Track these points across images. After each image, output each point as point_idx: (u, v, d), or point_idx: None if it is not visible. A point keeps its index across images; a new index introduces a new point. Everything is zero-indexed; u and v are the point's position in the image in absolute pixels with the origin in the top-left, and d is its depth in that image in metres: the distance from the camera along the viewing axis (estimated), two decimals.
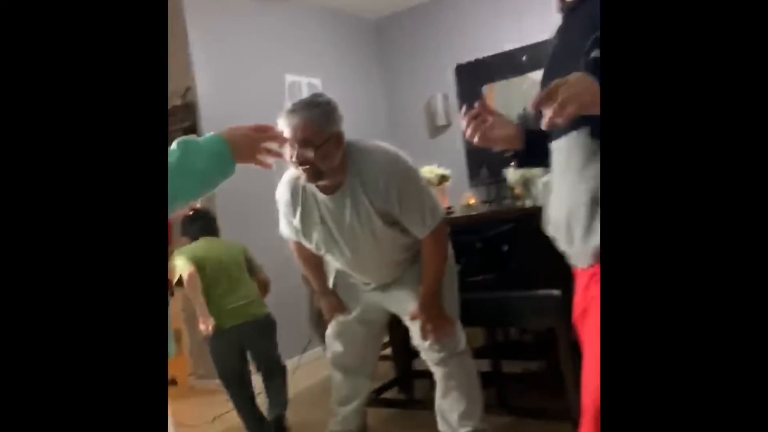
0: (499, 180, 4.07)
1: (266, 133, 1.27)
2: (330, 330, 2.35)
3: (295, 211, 2.04)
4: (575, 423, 1.28)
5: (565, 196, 1.23)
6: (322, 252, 2.11)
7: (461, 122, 1.35)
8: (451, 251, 2.15)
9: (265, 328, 2.73)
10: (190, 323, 3.58)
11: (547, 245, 2.33)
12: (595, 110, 0.92)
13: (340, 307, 2.28)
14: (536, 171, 2.74)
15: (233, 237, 3.50)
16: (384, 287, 2.18)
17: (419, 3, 4.97)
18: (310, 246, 2.11)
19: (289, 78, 4.24)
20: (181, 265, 2.62)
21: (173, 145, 1.14)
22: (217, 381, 2.77)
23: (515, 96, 4.66)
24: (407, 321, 2.14)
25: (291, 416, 3.00)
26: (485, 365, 2.59)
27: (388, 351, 3.02)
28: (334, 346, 2.35)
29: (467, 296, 2.22)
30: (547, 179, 2.74)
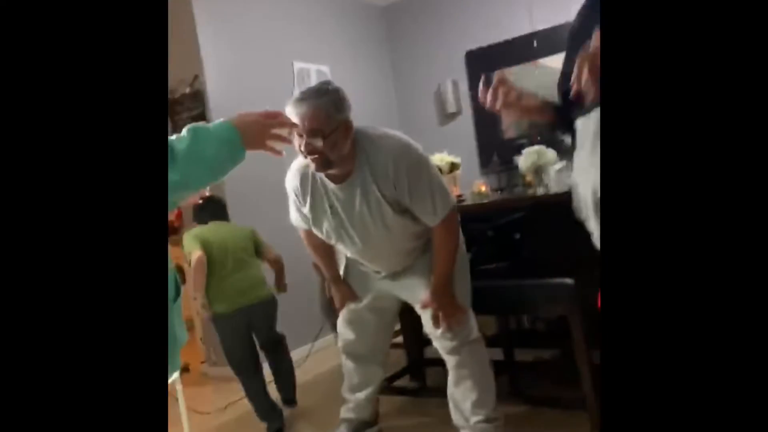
0: (510, 167, 4.04)
1: (276, 119, 1.27)
2: (341, 318, 2.35)
3: (305, 199, 2.03)
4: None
5: (592, 174, 1.21)
6: (332, 241, 2.10)
7: (480, 94, 1.31)
8: (462, 239, 2.13)
9: (270, 308, 2.83)
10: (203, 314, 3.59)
11: (558, 233, 2.31)
12: None
13: (352, 295, 2.27)
14: (549, 157, 2.72)
15: (242, 222, 3.51)
16: (395, 275, 2.17)
17: None
18: (320, 235, 2.10)
19: (298, 65, 4.21)
20: (189, 247, 2.71)
21: (183, 132, 1.14)
22: (229, 368, 2.82)
23: (526, 82, 4.60)
24: (419, 309, 2.13)
25: (303, 404, 3.01)
26: (498, 354, 2.59)
27: (399, 339, 3.01)
28: (346, 334, 2.35)
29: (479, 284, 2.21)
30: (560, 167, 2.73)
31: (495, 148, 4.48)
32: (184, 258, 2.81)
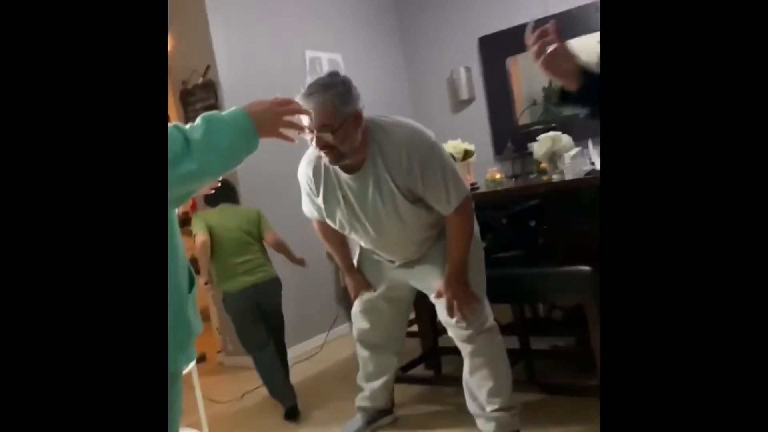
0: (524, 154, 3.99)
1: (288, 106, 1.26)
2: (355, 307, 2.34)
3: (317, 190, 2.02)
4: None
5: None
6: (346, 231, 2.10)
7: (528, 40, 1.29)
8: (476, 227, 2.11)
9: (275, 287, 2.95)
10: (217, 301, 3.62)
11: (574, 220, 2.29)
12: None
13: (366, 285, 2.27)
14: (565, 143, 2.68)
15: None
16: (409, 264, 2.16)
17: None
18: (333, 225, 2.09)
19: (310, 54, 4.19)
20: (197, 227, 2.85)
21: (197, 121, 1.14)
22: (243, 350, 2.94)
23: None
24: (433, 298, 2.12)
25: (318, 392, 3.03)
26: (513, 342, 2.58)
27: (414, 328, 3.01)
28: (360, 323, 2.35)
29: (494, 273, 2.19)
30: (575, 153, 2.69)
31: (509, 135, 4.42)
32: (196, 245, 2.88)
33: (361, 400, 2.44)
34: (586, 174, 2.43)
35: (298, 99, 1.78)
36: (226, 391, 3.27)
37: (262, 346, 2.86)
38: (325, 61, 4.29)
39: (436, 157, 1.91)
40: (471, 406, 2.14)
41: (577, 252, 2.21)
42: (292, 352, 3.70)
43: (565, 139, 2.73)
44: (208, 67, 3.62)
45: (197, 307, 1.30)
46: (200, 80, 3.65)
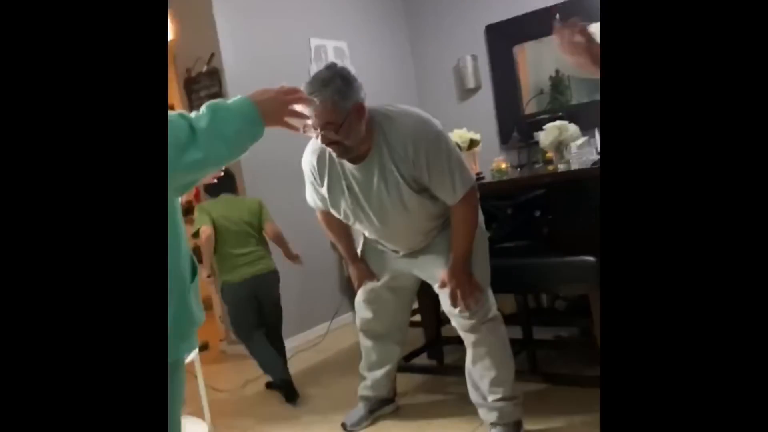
0: (530, 143, 3.97)
1: (293, 95, 1.26)
2: (359, 297, 2.34)
3: (322, 180, 2.01)
4: None
5: None
6: (350, 221, 2.09)
7: (555, 34, 1.28)
8: (481, 217, 2.10)
9: (274, 279, 3.00)
10: (219, 290, 3.61)
11: (579, 210, 2.27)
12: None
13: (369, 274, 2.26)
14: (571, 133, 2.66)
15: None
16: (413, 254, 2.15)
17: None
18: (338, 215, 2.09)
19: (315, 42, 4.16)
20: (201, 220, 2.88)
21: (203, 109, 1.13)
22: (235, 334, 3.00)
23: (547, 56, 4.52)
24: (437, 288, 2.11)
25: (321, 381, 3.03)
26: (516, 332, 2.57)
27: (417, 317, 3.01)
28: (364, 312, 2.34)
29: (499, 263, 2.18)
30: (581, 142, 2.67)
31: (515, 124, 4.40)
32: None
33: (364, 390, 2.45)
34: (593, 164, 2.41)
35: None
36: (229, 380, 3.28)
37: (252, 331, 2.93)
38: (331, 49, 4.26)
39: (442, 147, 1.89)
40: (473, 396, 2.14)
41: (581, 242, 2.19)
42: (295, 341, 3.71)
43: (572, 128, 2.70)
44: (212, 55, 3.60)
45: (200, 297, 1.30)
46: (204, 68, 3.63)
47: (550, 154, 2.89)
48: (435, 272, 2.09)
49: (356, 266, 2.28)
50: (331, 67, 1.82)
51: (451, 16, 4.87)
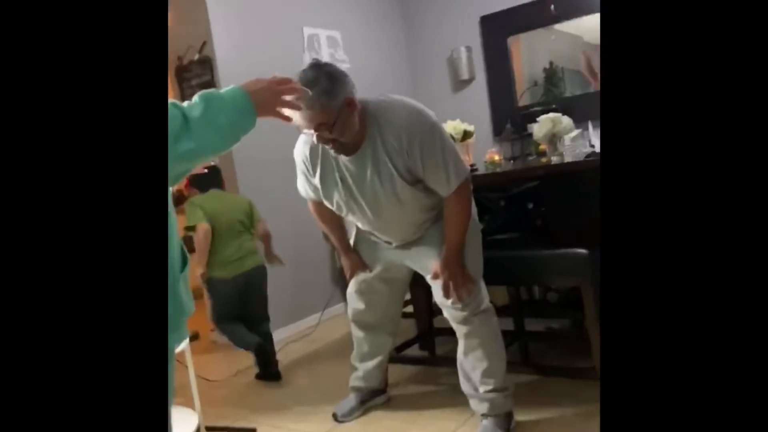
0: (523, 135, 3.97)
1: (286, 85, 1.25)
2: (351, 287, 2.33)
3: (314, 170, 2.00)
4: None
5: None
6: (343, 213, 2.08)
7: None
8: (474, 209, 2.09)
9: (262, 275, 3.06)
10: None
11: (572, 203, 2.27)
12: None
13: (362, 265, 2.26)
14: (565, 125, 2.65)
15: (253, 192, 3.50)
16: (406, 245, 2.14)
17: None
18: (330, 206, 2.07)
19: (308, 31, 4.13)
20: (197, 216, 2.89)
21: (195, 99, 1.13)
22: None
23: (542, 49, 4.51)
24: (429, 279, 2.11)
25: (312, 372, 3.03)
26: (508, 324, 2.57)
27: (410, 308, 3.01)
28: (356, 303, 2.34)
29: (492, 255, 2.18)
30: (575, 134, 2.66)
31: (509, 116, 4.39)
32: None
33: (355, 380, 2.44)
34: (586, 156, 2.40)
35: None
36: (219, 370, 3.27)
37: (230, 320, 3.02)
38: (324, 38, 4.23)
39: (436, 138, 1.88)
40: (465, 387, 2.14)
41: (574, 235, 2.19)
42: (287, 332, 3.70)
43: (566, 120, 2.70)
44: (204, 43, 3.56)
45: (189, 287, 1.29)
46: (196, 56, 3.59)
47: (543, 146, 2.88)
48: (428, 263, 2.09)
49: (348, 257, 2.28)
50: (315, 67, 1.78)
51: (445, 6, 4.84)
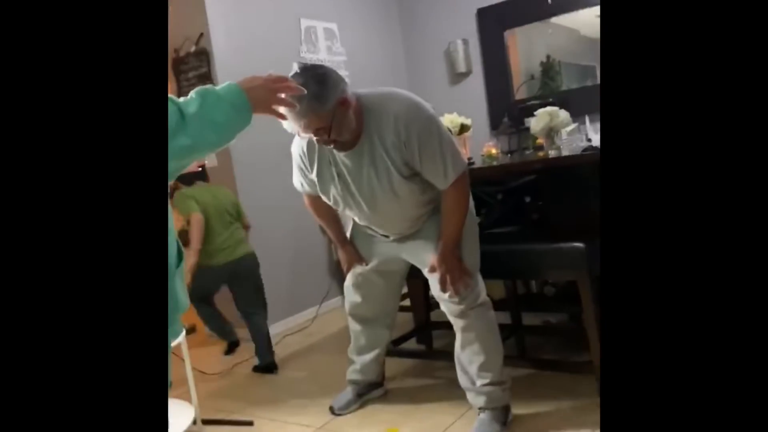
0: (521, 129, 3.96)
1: (281, 83, 1.26)
2: (348, 281, 2.33)
3: (311, 165, 1.99)
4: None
5: None
6: (339, 207, 2.07)
7: None
8: (471, 202, 2.09)
9: (253, 261, 3.13)
10: None
11: (569, 197, 2.26)
12: None
13: (358, 258, 2.25)
14: (562, 119, 2.65)
15: (249, 185, 3.50)
16: (403, 238, 2.14)
17: None
18: (327, 201, 2.07)
19: (305, 23, 4.11)
20: (191, 207, 2.97)
21: (191, 95, 1.13)
22: (236, 328, 3.08)
23: (539, 42, 4.50)
24: (426, 272, 2.11)
25: (309, 365, 3.03)
26: (505, 317, 2.58)
27: (407, 302, 3.01)
28: (352, 296, 2.34)
29: (489, 248, 2.18)
30: (572, 128, 2.66)
31: (506, 109, 4.38)
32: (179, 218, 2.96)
33: (352, 373, 2.45)
34: (583, 150, 2.40)
35: None
36: (216, 363, 3.27)
37: (206, 302, 3.16)
38: (321, 30, 4.21)
39: (434, 131, 1.87)
40: (462, 381, 2.15)
41: (571, 229, 2.19)
42: (284, 325, 3.70)
43: (563, 114, 2.69)
44: (201, 35, 3.54)
45: (185, 282, 1.28)
46: (193, 48, 3.57)
47: (540, 140, 2.88)
48: (425, 257, 2.09)
49: (345, 250, 2.27)
50: (302, 72, 1.75)
51: None
